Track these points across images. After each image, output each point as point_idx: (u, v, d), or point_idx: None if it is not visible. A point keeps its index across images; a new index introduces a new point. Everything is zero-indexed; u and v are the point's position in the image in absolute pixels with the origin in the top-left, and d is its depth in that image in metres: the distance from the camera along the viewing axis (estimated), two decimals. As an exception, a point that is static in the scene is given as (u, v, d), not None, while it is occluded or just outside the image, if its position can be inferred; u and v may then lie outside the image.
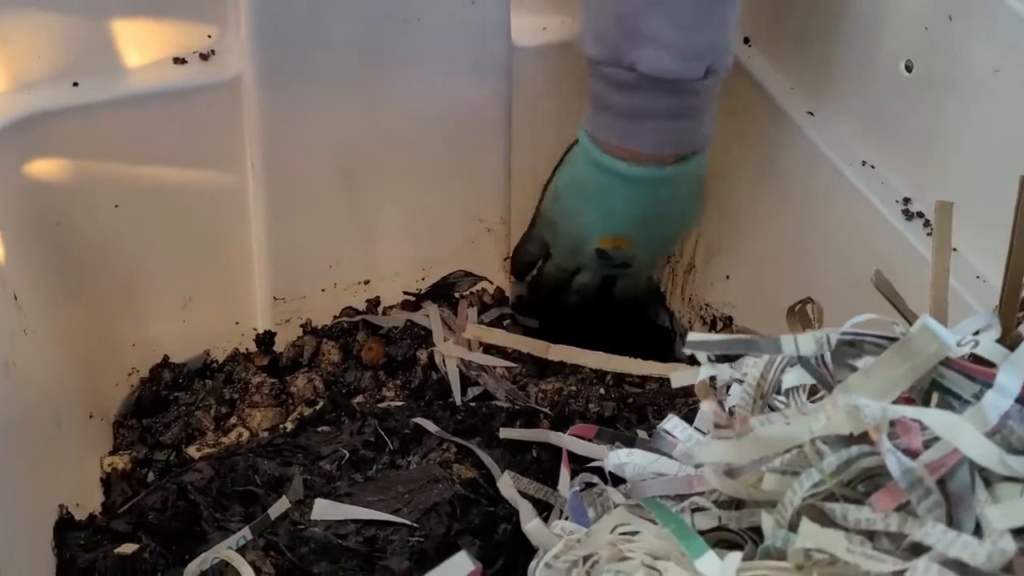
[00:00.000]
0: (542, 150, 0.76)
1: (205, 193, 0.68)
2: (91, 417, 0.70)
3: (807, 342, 0.38)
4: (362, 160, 0.73)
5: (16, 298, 0.58)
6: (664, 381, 0.74)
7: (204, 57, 0.64)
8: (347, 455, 0.67)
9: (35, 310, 0.60)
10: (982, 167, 0.60)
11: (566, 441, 0.58)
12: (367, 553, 0.58)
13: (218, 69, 0.64)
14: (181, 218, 0.69)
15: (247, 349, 0.79)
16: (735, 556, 0.35)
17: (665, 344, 0.87)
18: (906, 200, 0.64)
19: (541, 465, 0.65)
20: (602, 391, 0.75)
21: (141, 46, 0.62)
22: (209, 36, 0.64)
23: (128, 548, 0.55)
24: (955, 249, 0.61)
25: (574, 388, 0.75)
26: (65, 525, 0.58)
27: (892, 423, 0.35)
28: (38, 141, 0.60)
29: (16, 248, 0.59)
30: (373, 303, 0.82)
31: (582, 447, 0.58)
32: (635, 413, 0.72)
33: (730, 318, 0.80)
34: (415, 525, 0.60)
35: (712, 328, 0.81)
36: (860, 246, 0.65)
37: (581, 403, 0.73)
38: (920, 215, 0.64)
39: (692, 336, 0.43)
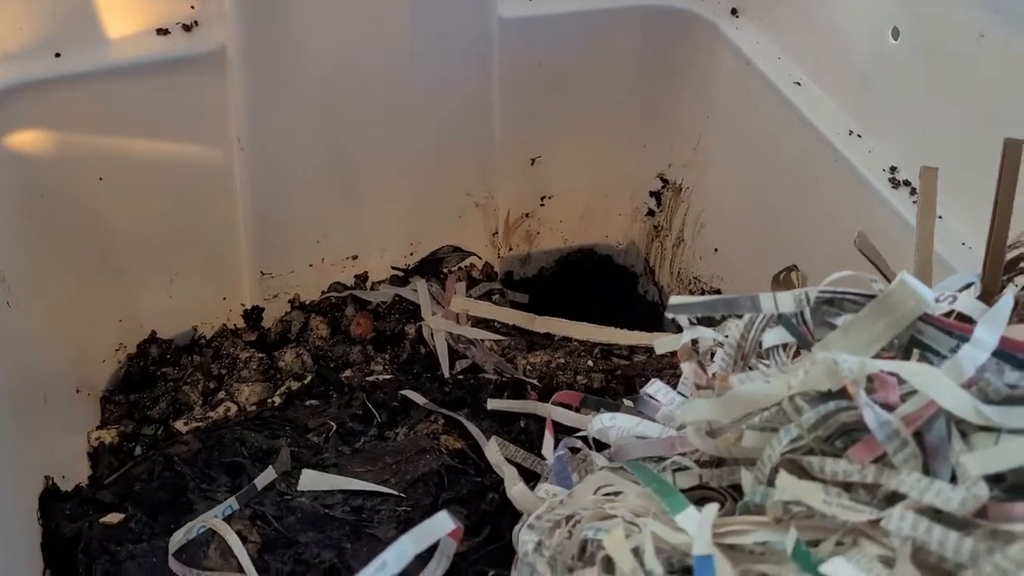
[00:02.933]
0: (530, 123, 0.76)
1: (190, 167, 0.68)
2: (78, 392, 0.69)
3: (786, 300, 0.38)
4: (349, 134, 0.72)
5: (3, 278, 0.57)
6: (652, 353, 0.74)
7: (187, 28, 0.64)
8: (335, 427, 0.67)
9: (19, 283, 0.60)
10: (968, 134, 0.60)
11: (552, 411, 0.58)
12: (354, 522, 0.58)
13: (201, 40, 0.64)
14: (166, 192, 0.68)
15: (235, 325, 0.79)
16: (712, 508, 0.35)
17: (654, 318, 0.87)
18: (893, 169, 0.64)
19: (529, 436, 0.65)
20: (590, 363, 0.75)
21: (124, 17, 0.62)
22: (192, 7, 0.64)
23: (114, 518, 0.55)
24: (940, 217, 0.61)
25: (562, 360, 0.75)
26: (51, 496, 0.57)
27: (870, 379, 0.35)
28: (20, 112, 0.59)
29: (1, 219, 0.58)
30: (361, 278, 0.82)
31: (568, 417, 0.58)
32: (623, 384, 0.72)
33: (718, 291, 0.80)
34: (402, 495, 0.60)
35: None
36: (847, 215, 0.65)
37: (569, 375, 0.73)
38: (907, 183, 0.64)
39: (674, 299, 0.43)
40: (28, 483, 0.56)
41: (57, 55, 0.60)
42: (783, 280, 0.48)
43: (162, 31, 0.63)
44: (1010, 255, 0.50)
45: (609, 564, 0.36)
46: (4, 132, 0.60)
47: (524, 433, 0.65)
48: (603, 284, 0.87)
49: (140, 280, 0.72)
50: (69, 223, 0.65)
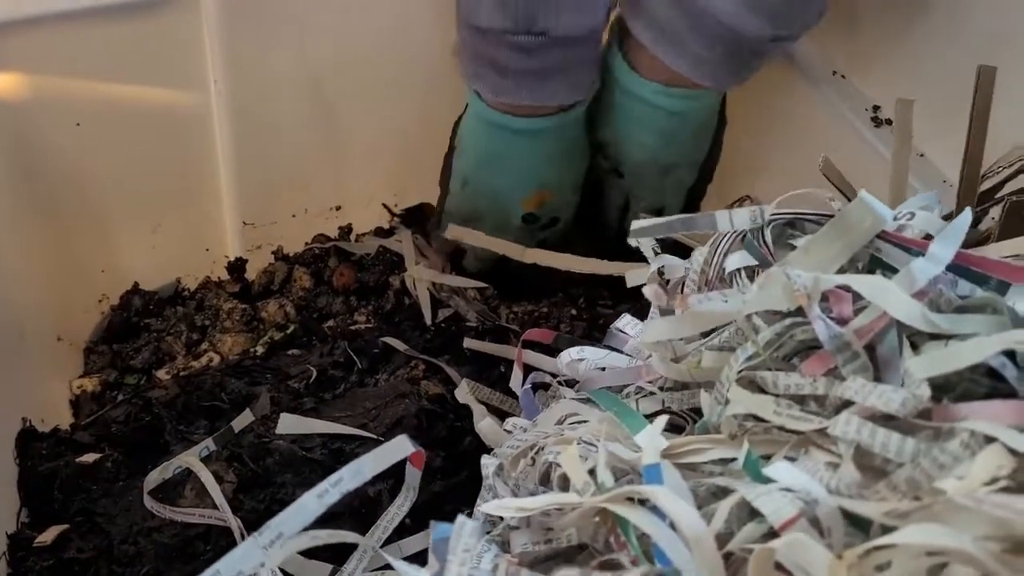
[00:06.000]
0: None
1: (169, 112, 0.68)
2: (59, 340, 0.70)
3: (741, 216, 0.38)
4: (332, 79, 0.72)
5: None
6: (635, 303, 0.74)
7: (160, -30, 0.63)
8: (315, 374, 0.67)
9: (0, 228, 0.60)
10: (950, 72, 0.59)
11: (528, 357, 0.58)
12: (332, 465, 0.58)
13: (175, -19, 0.63)
14: (145, 139, 0.68)
15: (219, 277, 0.79)
16: (661, 419, 0.35)
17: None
18: (875, 108, 0.64)
19: (508, 381, 0.65)
20: (573, 312, 0.75)
21: (95, -42, 0.61)
22: (165, -51, 0.63)
23: (90, 457, 0.55)
24: (922, 155, 0.61)
25: (546, 310, 0.75)
26: (28, 436, 0.58)
27: (826, 296, 0.35)
28: (-9, 55, 0.59)
29: (-28, 163, 0.59)
30: (345, 230, 0.81)
31: (544, 362, 0.58)
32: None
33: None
34: (381, 439, 0.60)
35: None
36: (830, 154, 0.65)
37: (552, 324, 0.73)
38: (889, 123, 0.63)
39: (636, 223, 0.43)
40: (5, 424, 0.57)
41: (28, -4, 0.59)
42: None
43: (136, -28, 0.63)
44: (984, 186, 0.49)
45: (566, 482, 0.36)
46: (-24, 76, 0.60)
47: (503, 378, 0.65)
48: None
49: (122, 230, 0.72)
50: (47, 170, 0.65)
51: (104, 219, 0.71)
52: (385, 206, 0.82)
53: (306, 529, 0.34)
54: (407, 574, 0.31)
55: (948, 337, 0.31)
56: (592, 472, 0.36)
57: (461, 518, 0.32)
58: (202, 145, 0.71)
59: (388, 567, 0.44)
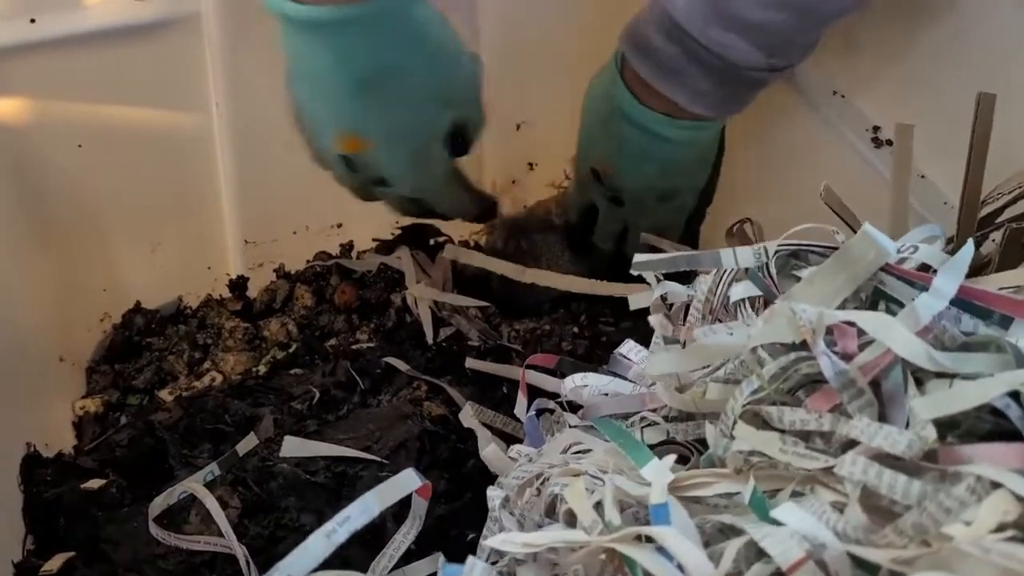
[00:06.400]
0: (516, 86, 0.76)
1: (170, 133, 0.68)
2: (61, 360, 0.70)
3: (745, 254, 0.38)
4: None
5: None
6: (637, 320, 0.74)
7: (163, -7, 0.63)
8: (318, 395, 0.67)
9: (2, 247, 0.60)
10: (951, 92, 0.59)
11: (531, 377, 0.58)
12: (335, 488, 0.58)
13: (177, 4, 0.63)
14: (147, 159, 0.68)
15: (220, 295, 0.79)
16: (669, 458, 0.35)
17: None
18: (875, 128, 0.64)
19: (511, 402, 0.65)
20: (575, 330, 0.75)
21: (99, -18, 0.61)
22: (167, -28, 0.63)
23: (95, 483, 0.55)
24: (923, 176, 0.61)
25: (547, 327, 0.75)
26: (32, 461, 0.58)
27: (831, 330, 0.35)
28: (-4, 78, 0.59)
29: (-24, 187, 0.59)
30: (346, 247, 0.82)
31: (547, 383, 0.58)
32: (608, 352, 0.72)
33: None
34: (384, 461, 0.60)
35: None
36: (830, 176, 0.65)
37: (554, 342, 0.73)
38: (889, 143, 0.63)
39: (638, 257, 0.43)
40: (9, 449, 0.57)
41: (32, 20, 0.59)
42: (736, 232, 0.48)
43: (138, -4, 0.63)
44: (984, 211, 0.50)
45: (572, 517, 0.36)
46: (-20, 100, 0.60)
47: (506, 399, 0.65)
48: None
49: (123, 249, 0.73)
50: (49, 191, 0.65)
51: (106, 238, 0.71)
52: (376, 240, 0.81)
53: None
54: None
55: (952, 376, 0.31)
56: (598, 506, 0.36)
57: (471, 560, 0.32)
58: (203, 165, 0.71)
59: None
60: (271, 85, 0.69)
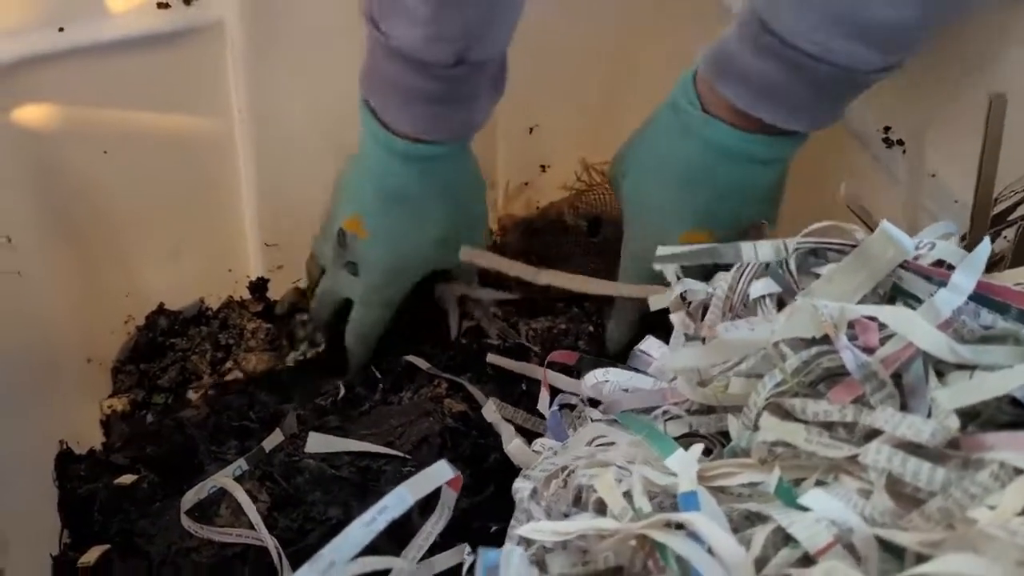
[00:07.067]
0: (528, 88, 0.77)
1: (193, 139, 0.69)
2: (89, 362, 0.71)
3: (765, 248, 0.39)
4: (351, 102, 0.73)
5: (9, 240, 0.59)
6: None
7: (187, 1, 0.65)
8: (341, 393, 0.69)
9: (28, 254, 0.61)
10: (962, 92, 0.60)
11: (550, 376, 0.59)
12: (360, 483, 0.59)
13: (201, 12, 0.64)
14: (170, 165, 0.70)
15: (241, 296, 0.81)
16: (696, 448, 0.36)
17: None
18: (886, 129, 0.65)
19: (530, 398, 0.66)
20: (591, 329, 0.76)
21: (124, -9, 0.63)
22: (191, -20, 0.65)
23: (127, 479, 0.57)
24: (934, 175, 0.62)
25: (564, 326, 0.76)
26: (66, 458, 0.59)
27: (852, 325, 0.37)
28: (24, 86, 0.61)
29: (7, 191, 0.60)
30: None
31: (566, 383, 0.59)
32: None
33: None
34: (407, 456, 0.61)
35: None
36: (841, 176, 0.66)
37: (571, 340, 0.74)
38: (900, 143, 0.64)
39: (661, 250, 0.44)
40: (44, 447, 0.58)
41: (60, 29, 0.61)
42: (751, 235, 0.49)
43: (162, 4, 0.64)
44: (997, 209, 0.51)
45: (601, 506, 0.38)
46: (9, 106, 0.61)
47: (526, 395, 0.67)
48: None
49: (146, 252, 0.74)
50: (75, 196, 0.67)
51: (129, 242, 0.73)
52: None
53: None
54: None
55: (972, 368, 0.32)
56: (627, 495, 0.37)
57: (508, 546, 0.33)
58: (225, 170, 0.73)
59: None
60: (292, 92, 0.70)
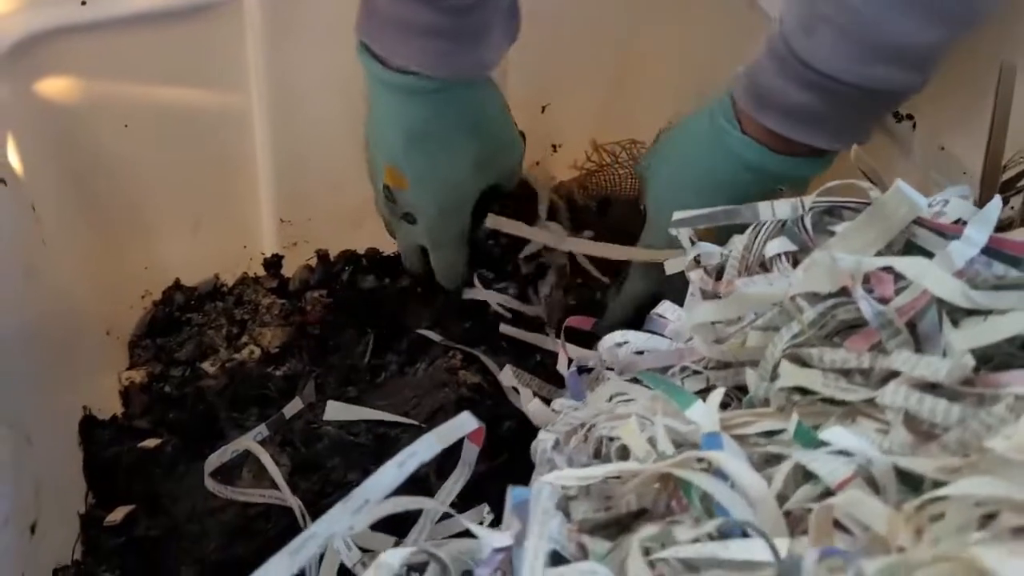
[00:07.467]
0: (539, 68, 0.78)
1: (211, 114, 0.70)
2: (108, 334, 0.72)
3: (783, 206, 0.40)
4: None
5: (34, 209, 0.60)
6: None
7: (206, -23, 0.66)
8: (357, 364, 0.70)
9: (52, 224, 0.62)
10: (969, 65, 0.61)
11: (565, 342, 0.60)
12: (377, 449, 0.61)
13: (220, -13, 0.66)
14: (188, 139, 0.71)
15: (255, 273, 0.82)
16: (717, 392, 0.37)
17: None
18: (895, 103, 0.66)
19: (545, 369, 0.67)
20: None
21: (145, -34, 0.64)
22: (210, -44, 0.65)
23: (151, 443, 0.58)
24: (943, 148, 0.63)
25: (573, 302, 0.77)
26: (90, 423, 0.60)
27: (868, 278, 0.38)
28: (47, 59, 0.62)
29: (31, 162, 0.61)
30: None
31: (580, 353, 0.60)
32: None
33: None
34: (423, 425, 0.62)
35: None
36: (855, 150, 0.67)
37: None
38: (909, 117, 0.65)
39: (677, 214, 0.45)
40: (67, 412, 0.59)
41: (83, 3, 0.62)
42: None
43: (182, -20, 0.65)
44: (1006, 176, 0.52)
45: (624, 453, 0.39)
46: (32, 79, 0.62)
47: (539, 366, 0.68)
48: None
49: (164, 227, 0.75)
50: (97, 169, 0.68)
51: (148, 217, 0.74)
52: None
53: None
54: (487, 537, 0.33)
55: (986, 313, 0.33)
56: (650, 441, 0.38)
57: (539, 483, 0.34)
58: (242, 146, 0.74)
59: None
60: (310, 68, 0.71)
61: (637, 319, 0.63)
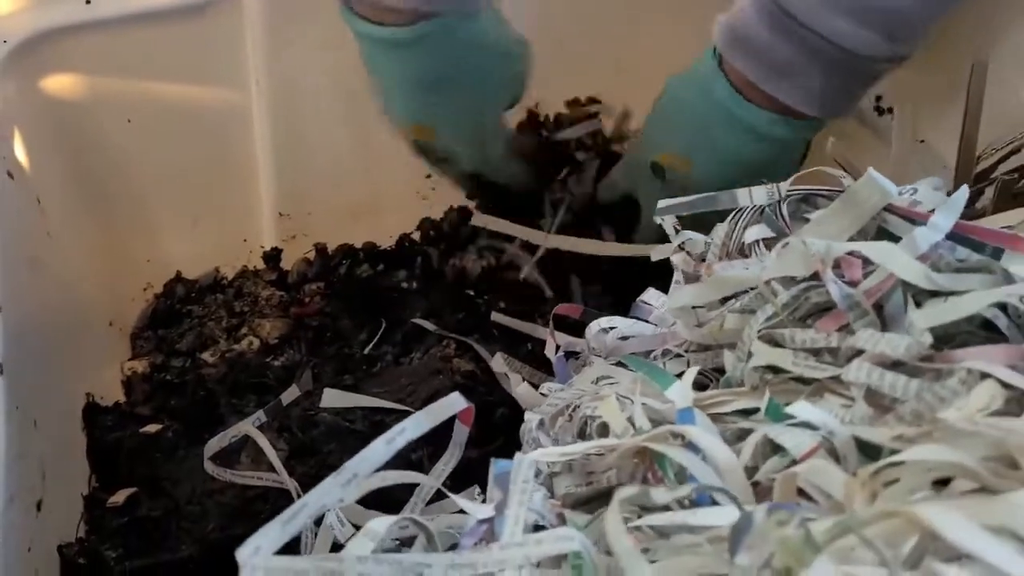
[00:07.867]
0: (544, 70, 0.79)
1: (212, 109, 0.72)
2: (111, 325, 0.74)
3: (759, 192, 0.42)
4: (366, 76, 0.75)
5: (39, 202, 0.62)
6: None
7: (207, -25, 0.68)
8: (355, 354, 0.71)
9: (56, 216, 0.64)
10: (950, 60, 0.63)
11: (553, 329, 0.62)
12: (373, 435, 0.61)
13: (220, -15, 0.67)
14: (190, 135, 0.72)
15: (255, 266, 0.83)
16: (691, 371, 0.39)
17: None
18: (878, 98, 0.68)
19: (536, 357, 0.69)
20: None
21: (148, -35, 0.66)
22: (210, -45, 0.67)
23: (152, 428, 0.60)
24: (922, 141, 0.65)
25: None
26: (93, 410, 0.62)
27: (838, 263, 0.39)
28: (52, 56, 0.64)
29: (36, 156, 0.63)
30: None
31: (568, 340, 0.61)
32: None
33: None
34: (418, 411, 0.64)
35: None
36: (835, 141, 0.68)
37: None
38: (890, 111, 0.67)
39: (662, 202, 0.47)
40: (71, 399, 0.61)
41: (87, 2, 0.64)
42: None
43: (183, -22, 0.67)
44: (979, 167, 0.54)
45: (604, 430, 0.40)
46: (37, 75, 0.64)
47: (531, 355, 0.69)
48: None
49: (166, 221, 0.77)
50: (101, 164, 0.70)
51: (149, 211, 0.76)
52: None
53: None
54: (471, 509, 0.35)
55: (947, 295, 0.35)
56: (629, 420, 0.40)
57: (519, 455, 0.36)
58: (242, 141, 0.75)
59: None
60: (309, 65, 0.73)
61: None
